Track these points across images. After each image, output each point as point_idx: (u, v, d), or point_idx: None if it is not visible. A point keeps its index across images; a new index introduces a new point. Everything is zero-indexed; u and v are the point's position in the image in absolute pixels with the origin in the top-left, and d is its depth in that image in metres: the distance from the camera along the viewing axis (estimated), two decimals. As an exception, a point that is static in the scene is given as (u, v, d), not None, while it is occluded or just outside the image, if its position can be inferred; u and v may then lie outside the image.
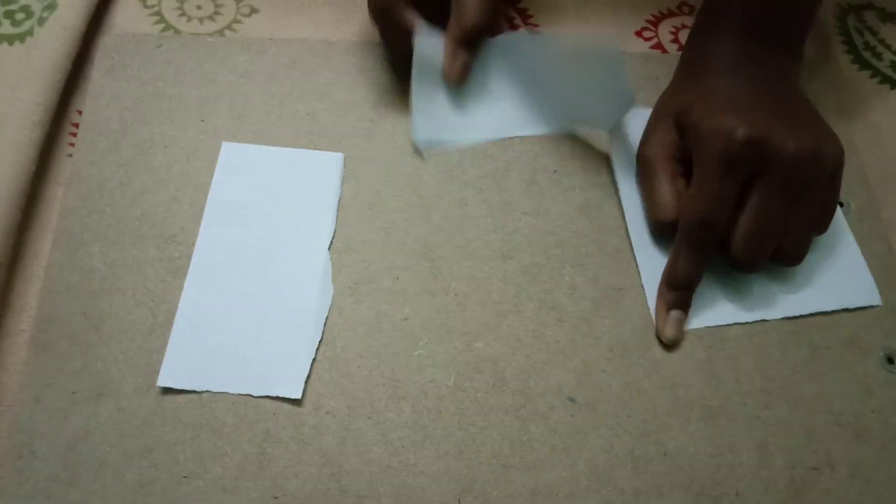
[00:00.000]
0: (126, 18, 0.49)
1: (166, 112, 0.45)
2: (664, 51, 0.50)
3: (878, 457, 0.37)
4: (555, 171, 0.44)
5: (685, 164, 0.40)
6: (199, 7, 0.50)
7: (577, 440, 0.37)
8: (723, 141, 0.37)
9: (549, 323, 0.39)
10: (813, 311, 0.40)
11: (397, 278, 0.40)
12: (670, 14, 0.52)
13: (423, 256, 0.41)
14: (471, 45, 0.44)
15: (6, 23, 0.47)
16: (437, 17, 0.43)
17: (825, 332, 0.40)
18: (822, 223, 0.40)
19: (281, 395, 0.36)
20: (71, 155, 0.43)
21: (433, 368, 0.38)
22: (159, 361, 0.37)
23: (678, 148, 0.41)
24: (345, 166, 0.44)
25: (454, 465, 0.36)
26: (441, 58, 0.43)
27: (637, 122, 0.44)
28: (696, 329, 0.40)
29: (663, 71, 0.47)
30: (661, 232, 0.41)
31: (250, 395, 0.36)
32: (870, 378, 0.39)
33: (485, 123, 0.45)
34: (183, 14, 0.49)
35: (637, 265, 0.41)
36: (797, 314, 0.40)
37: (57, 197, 0.42)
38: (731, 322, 0.40)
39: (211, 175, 0.42)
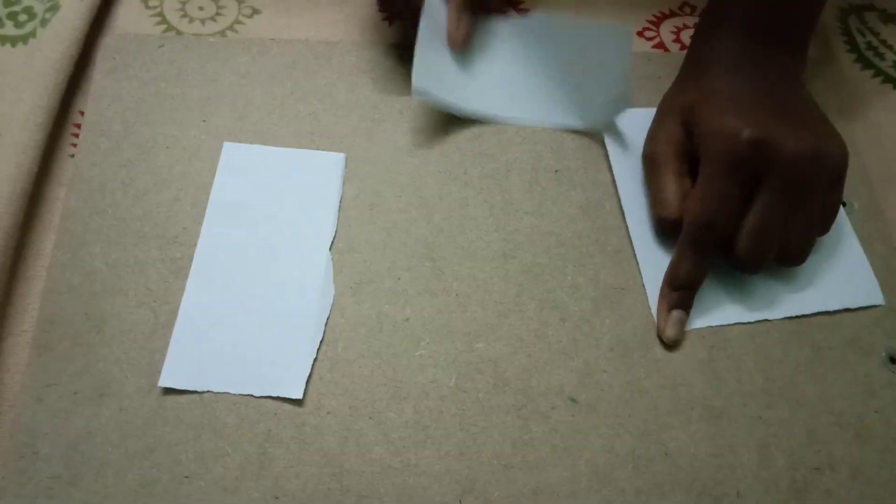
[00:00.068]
0: (128, 19, 0.49)
1: (168, 112, 0.45)
2: (666, 50, 0.50)
3: (879, 457, 0.37)
4: (556, 171, 0.44)
5: (692, 163, 0.40)
6: (200, 8, 0.50)
7: (579, 440, 0.37)
8: (727, 142, 0.37)
9: (550, 323, 0.39)
10: (815, 311, 0.40)
11: (399, 278, 0.40)
12: (672, 14, 0.52)
13: (425, 256, 0.41)
14: (473, 11, 0.45)
15: (9, 24, 0.47)
16: None
17: (827, 333, 0.40)
18: (824, 224, 0.40)
19: (282, 395, 0.36)
20: (73, 155, 0.43)
21: (434, 368, 0.38)
22: (161, 362, 0.37)
23: (685, 146, 0.41)
24: (346, 166, 0.44)
25: (455, 466, 0.36)
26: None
27: (637, 122, 0.44)
28: (697, 329, 0.40)
29: (665, 70, 0.47)
30: (665, 229, 0.41)
31: (252, 396, 0.36)
32: (872, 378, 0.39)
33: (480, 95, 0.46)
34: (185, 15, 0.49)
35: (638, 265, 0.41)
36: (799, 314, 0.40)
37: (59, 197, 0.42)
38: (732, 322, 0.40)
39: (212, 175, 0.43)
